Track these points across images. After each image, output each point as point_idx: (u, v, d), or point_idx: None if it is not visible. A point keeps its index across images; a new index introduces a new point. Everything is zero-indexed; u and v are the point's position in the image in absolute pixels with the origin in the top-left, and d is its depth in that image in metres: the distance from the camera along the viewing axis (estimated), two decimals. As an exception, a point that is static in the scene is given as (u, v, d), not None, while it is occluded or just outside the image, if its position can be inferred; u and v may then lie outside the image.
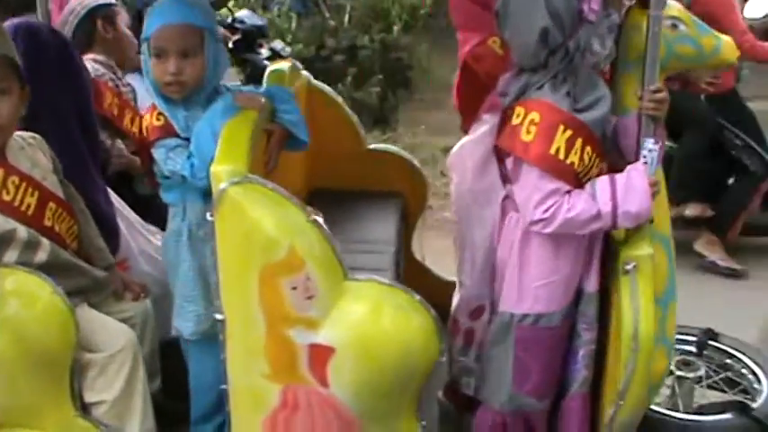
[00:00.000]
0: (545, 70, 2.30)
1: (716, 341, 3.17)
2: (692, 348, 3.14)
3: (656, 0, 2.14)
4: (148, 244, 3.01)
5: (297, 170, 3.16)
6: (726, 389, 3.05)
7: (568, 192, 2.25)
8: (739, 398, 2.96)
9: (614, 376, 2.38)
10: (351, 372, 2.28)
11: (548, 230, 2.27)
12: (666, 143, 2.62)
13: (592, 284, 2.43)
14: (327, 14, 8.87)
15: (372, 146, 3.42)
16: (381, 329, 2.26)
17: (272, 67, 2.94)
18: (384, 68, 8.26)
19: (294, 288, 2.23)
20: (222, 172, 2.22)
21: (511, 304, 2.44)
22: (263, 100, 2.46)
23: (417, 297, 2.31)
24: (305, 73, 3.19)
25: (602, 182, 2.26)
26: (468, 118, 2.66)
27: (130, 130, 3.13)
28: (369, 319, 2.27)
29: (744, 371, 3.10)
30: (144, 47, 2.44)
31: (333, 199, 3.17)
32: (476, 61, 2.59)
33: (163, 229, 3.01)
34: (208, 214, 2.26)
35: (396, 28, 8.91)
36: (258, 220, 2.21)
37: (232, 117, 2.36)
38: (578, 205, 2.23)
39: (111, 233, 2.78)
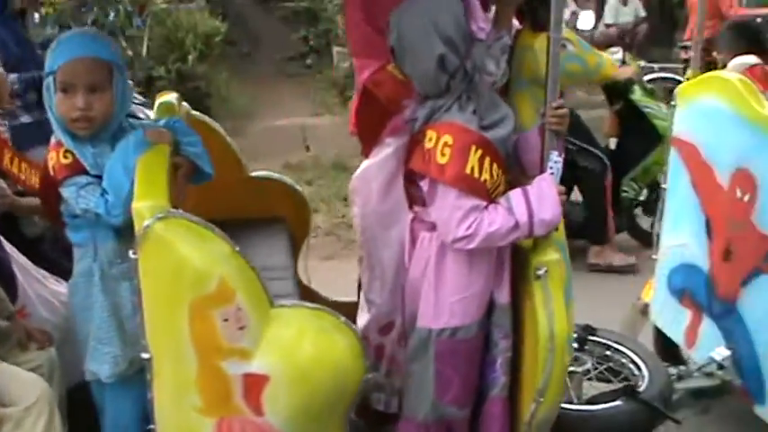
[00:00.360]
0: (449, 94, 2.42)
1: (595, 335, 3.41)
2: (575, 344, 3.36)
3: (555, 23, 2.31)
4: (44, 288, 2.91)
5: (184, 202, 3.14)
6: (611, 378, 3.29)
7: (485, 207, 2.38)
8: (626, 384, 3.20)
9: (532, 376, 2.52)
10: (285, 398, 2.31)
11: (471, 246, 2.38)
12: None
13: (504, 296, 2.56)
14: (124, 44, 8.80)
15: (254, 173, 3.44)
16: (312, 353, 2.31)
17: (160, 99, 2.92)
18: (181, 98, 8.32)
19: (226, 320, 2.25)
20: (145, 208, 2.21)
21: (428, 320, 2.53)
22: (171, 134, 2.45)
23: (342, 318, 2.38)
24: (184, 103, 3.18)
25: (517, 194, 2.40)
26: (369, 142, 2.74)
27: (10, 170, 3.01)
28: (300, 344, 2.31)
29: (623, 360, 3.36)
30: (48, 82, 2.38)
31: (221, 229, 3.17)
32: (376, 87, 2.66)
33: (50, 272, 2.93)
34: (130, 252, 2.23)
35: (191, 57, 8.95)
36: (187, 255, 2.21)
37: (145, 152, 2.35)
38: (498, 219, 2.36)
39: (8, 281, 2.68)
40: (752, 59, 3.84)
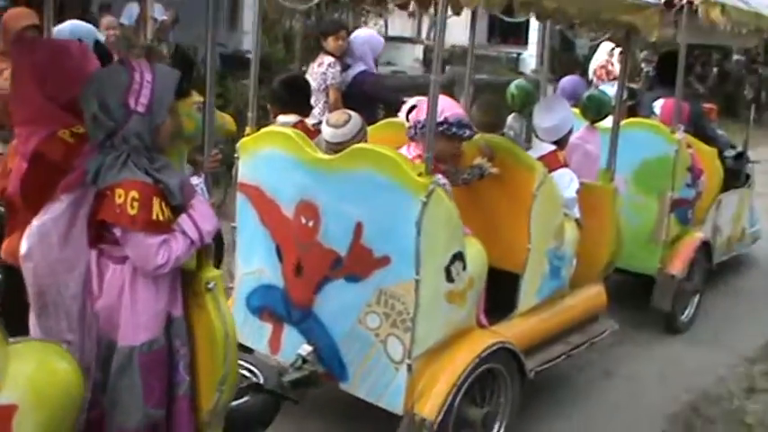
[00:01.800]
0: (116, 152, 3.02)
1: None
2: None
3: (209, 90, 3.12)
4: None
5: None
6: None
7: (168, 239, 3.04)
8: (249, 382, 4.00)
9: (212, 372, 3.23)
10: (30, 421, 2.72)
11: (167, 270, 3.03)
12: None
13: (178, 309, 3.21)
14: None
15: None
16: (46, 378, 2.79)
17: None
18: None
19: (-22, 359, 2.61)
20: None
21: (130, 339, 3.09)
22: None
23: (64, 346, 2.90)
24: None
25: (185, 219, 3.09)
26: (37, 202, 3.16)
27: None
28: (35, 372, 2.76)
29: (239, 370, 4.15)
30: None
31: None
32: (50, 152, 3.13)
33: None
34: None
35: None
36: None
37: None
38: (180, 245, 3.05)
39: None
40: (293, 118, 4.89)
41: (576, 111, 6.02)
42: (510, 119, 5.63)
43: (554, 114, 5.35)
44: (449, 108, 4.36)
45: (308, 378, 4.32)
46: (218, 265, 3.76)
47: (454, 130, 4.34)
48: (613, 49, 12.06)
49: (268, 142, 4.46)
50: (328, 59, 6.79)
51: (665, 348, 6.28)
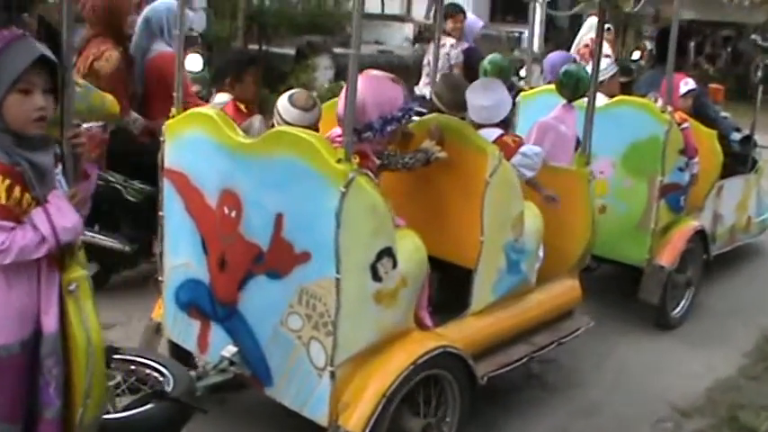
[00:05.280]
0: None
1: (118, 353, 3.85)
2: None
3: (66, 58, 2.81)
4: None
5: None
6: (141, 387, 3.77)
7: (14, 228, 2.76)
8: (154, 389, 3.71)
9: (78, 382, 2.94)
10: None
11: (7, 261, 2.74)
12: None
13: (51, 323, 2.90)
14: None
15: None
16: None
17: None
18: None
19: None
20: None
21: None
22: None
23: None
24: None
25: (38, 212, 2.81)
26: None
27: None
28: None
29: (147, 371, 3.85)
30: None
31: None
32: None
33: None
34: None
35: None
36: None
37: None
38: (27, 235, 2.76)
39: None
40: (226, 97, 4.57)
41: (552, 87, 5.61)
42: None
43: (490, 94, 4.86)
44: (371, 106, 3.99)
45: (231, 382, 4.03)
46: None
47: (377, 127, 4.05)
48: (603, 24, 11.59)
49: (192, 124, 4.14)
50: (450, 40, 7.63)
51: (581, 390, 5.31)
